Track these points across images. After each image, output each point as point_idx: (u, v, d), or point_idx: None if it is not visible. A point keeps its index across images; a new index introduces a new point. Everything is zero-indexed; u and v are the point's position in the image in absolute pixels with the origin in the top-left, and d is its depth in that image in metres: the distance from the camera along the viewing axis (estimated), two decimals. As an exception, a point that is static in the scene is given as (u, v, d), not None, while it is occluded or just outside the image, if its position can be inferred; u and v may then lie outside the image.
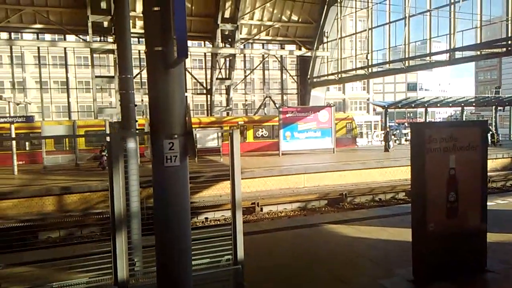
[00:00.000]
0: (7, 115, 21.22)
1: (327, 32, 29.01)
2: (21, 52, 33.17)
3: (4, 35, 26.23)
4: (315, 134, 23.42)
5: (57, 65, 35.22)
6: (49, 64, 31.11)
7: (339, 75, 28.87)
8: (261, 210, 14.33)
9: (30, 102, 26.46)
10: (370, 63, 26.65)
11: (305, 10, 28.42)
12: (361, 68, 27.63)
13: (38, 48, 26.42)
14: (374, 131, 45.17)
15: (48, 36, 33.23)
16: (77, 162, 20.37)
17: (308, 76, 30.35)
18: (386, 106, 29.14)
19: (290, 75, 33.04)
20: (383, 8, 26.32)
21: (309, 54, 29.52)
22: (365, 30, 28.10)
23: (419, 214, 5.24)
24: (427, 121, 35.40)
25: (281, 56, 31.68)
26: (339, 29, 28.76)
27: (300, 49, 30.05)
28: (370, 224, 8.37)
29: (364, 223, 8.48)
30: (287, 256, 6.67)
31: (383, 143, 25.96)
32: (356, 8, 28.65)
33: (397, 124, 53.96)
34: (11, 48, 25.50)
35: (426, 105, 30.61)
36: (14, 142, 18.44)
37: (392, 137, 28.24)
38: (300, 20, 29.02)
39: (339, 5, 28.08)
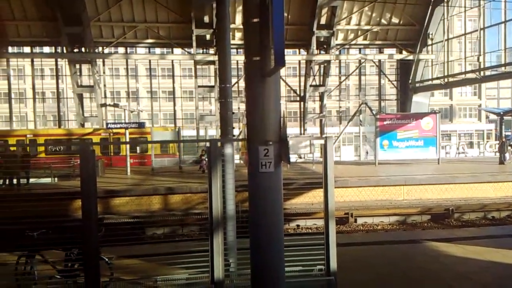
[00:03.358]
0: (123, 121, 23.86)
1: (431, 34, 27.14)
2: (135, 65, 36.92)
3: (121, 49, 29.58)
4: (416, 143, 21.88)
5: (165, 76, 38.59)
6: (158, 76, 34.32)
7: (445, 79, 26.74)
8: (355, 221, 13.83)
9: (142, 110, 29.35)
10: (482, 66, 24.18)
11: (407, 12, 26.98)
12: (472, 71, 25.17)
13: (150, 61, 29.34)
14: (487, 141, 40.78)
15: (158, 50, 36.62)
16: (180, 165, 21.96)
17: (410, 81, 28.65)
18: (502, 113, 26.19)
19: (389, 80, 31.49)
20: (498, 5, 23.75)
21: (411, 57, 27.89)
22: (476, 30, 25.65)
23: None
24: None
25: (379, 60, 30.44)
26: (446, 30, 26.65)
27: (400, 53, 28.54)
28: (479, 244, 7.54)
29: (473, 243, 7.67)
30: (382, 272, 6.33)
31: (498, 154, 23.47)
32: (465, 7, 26.28)
33: (514, 134, 48.03)
34: (126, 61, 28.66)
35: (550, 112, 26.76)
36: (127, 146, 20.61)
37: (509, 148, 25.17)
38: (401, 22, 27.60)
39: (445, 5, 26.06)
